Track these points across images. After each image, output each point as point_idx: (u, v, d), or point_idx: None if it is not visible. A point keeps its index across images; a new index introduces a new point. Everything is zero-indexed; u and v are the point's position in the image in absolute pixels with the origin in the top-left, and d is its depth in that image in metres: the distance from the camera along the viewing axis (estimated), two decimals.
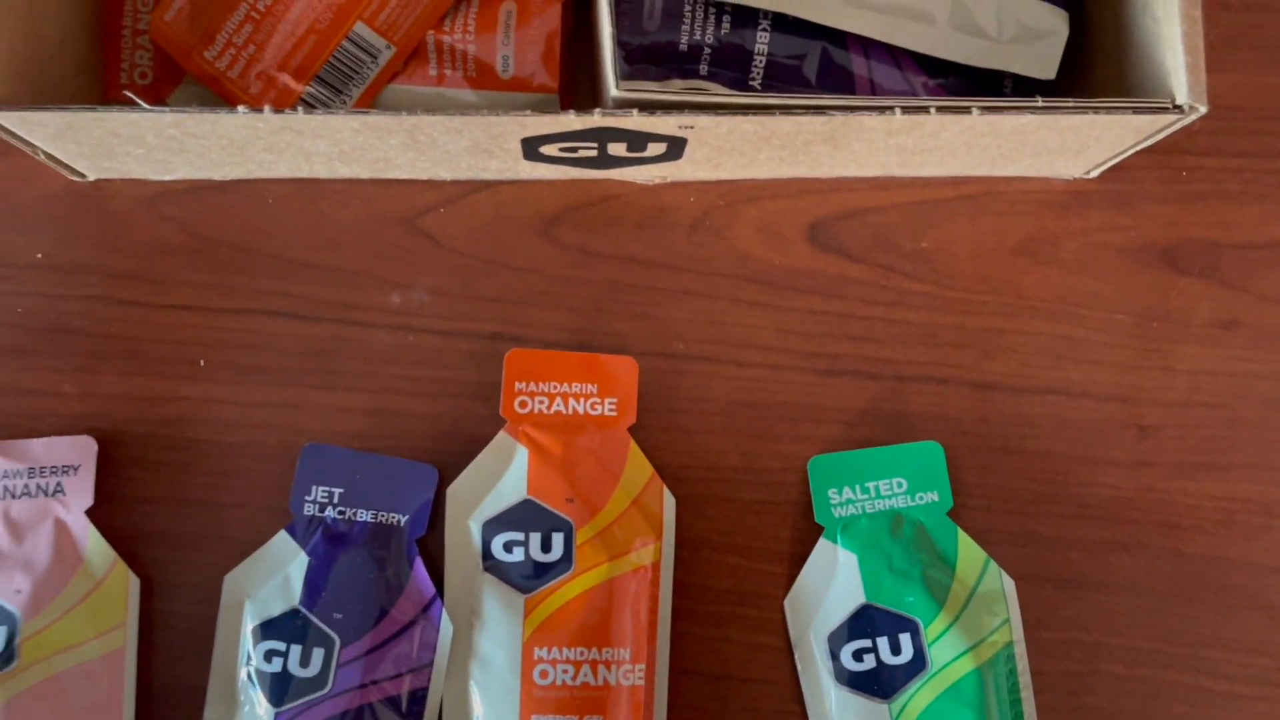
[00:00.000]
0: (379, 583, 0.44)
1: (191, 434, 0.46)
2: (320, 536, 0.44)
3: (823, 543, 0.46)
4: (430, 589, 0.44)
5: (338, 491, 0.45)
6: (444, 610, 0.44)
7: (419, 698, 0.43)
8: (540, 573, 0.44)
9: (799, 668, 0.46)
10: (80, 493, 0.44)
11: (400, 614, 0.44)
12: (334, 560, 0.44)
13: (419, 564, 0.44)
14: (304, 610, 0.43)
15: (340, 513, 0.45)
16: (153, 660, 0.44)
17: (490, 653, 0.44)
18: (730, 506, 0.47)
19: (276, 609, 0.44)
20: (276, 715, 0.42)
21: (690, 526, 0.47)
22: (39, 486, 0.44)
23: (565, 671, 0.43)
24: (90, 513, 0.44)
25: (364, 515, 0.45)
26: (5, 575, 0.43)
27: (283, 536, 0.45)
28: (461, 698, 0.44)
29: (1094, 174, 0.48)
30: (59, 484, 0.44)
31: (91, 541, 0.44)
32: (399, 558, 0.44)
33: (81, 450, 0.45)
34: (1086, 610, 0.46)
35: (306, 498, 0.45)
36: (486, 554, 0.45)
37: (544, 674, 0.43)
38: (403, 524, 0.45)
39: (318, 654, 0.43)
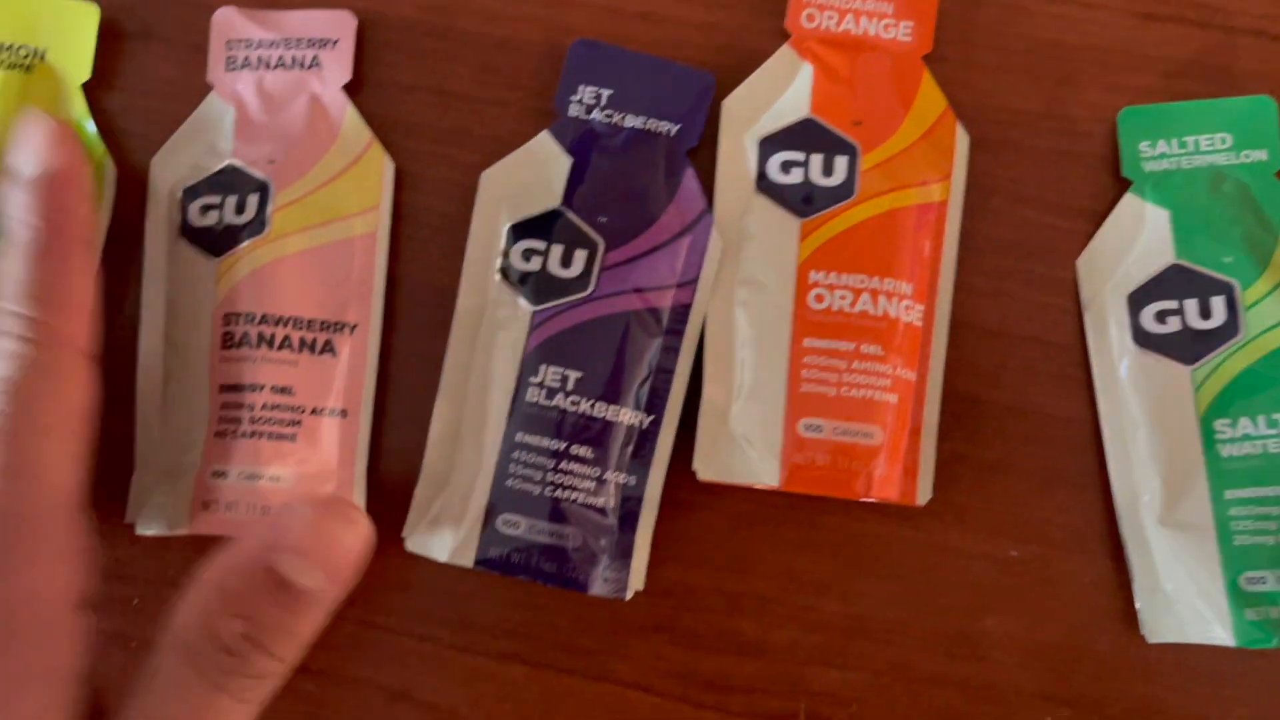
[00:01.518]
0: (646, 190, 0.41)
1: (456, 23, 0.43)
2: (585, 139, 0.41)
3: (1129, 198, 0.42)
4: (701, 202, 0.41)
5: (607, 93, 0.41)
6: (714, 228, 0.41)
7: (681, 313, 0.40)
8: (818, 196, 0.41)
9: (1088, 330, 0.42)
10: (337, 68, 0.42)
11: (668, 224, 0.41)
12: (600, 163, 0.41)
13: (690, 175, 0.41)
14: (566, 211, 0.40)
15: (608, 115, 0.41)
16: (401, 254, 0.42)
17: (761, 274, 0.41)
18: (1027, 154, 0.42)
19: (536, 208, 0.41)
20: (535, 314, 0.40)
21: (982, 171, 0.42)
22: (295, 59, 0.42)
23: (843, 297, 0.40)
24: (347, 90, 0.42)
25: (633, 120, 0.41)
26: (258, 145, 0.41)
27: (544, 137, 0.41)
28: (726, 319, 0.41)
29: None
30: (315, 57, 0.42)
31: (348, 119, 0.42)
32: (668, 167, 0.41)
33: (340, 25, 0.42)
34: None
35: (572, 97, 0.42)
36: (761, 174, 0.41)
37: (819, 298, 0.40)
38: (674, 133, 0.41)
39: (580, 255, 0.40)
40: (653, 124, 0.41)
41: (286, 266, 0.40)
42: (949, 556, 0.42)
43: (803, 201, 0.41)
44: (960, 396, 0.42)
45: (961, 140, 0.42)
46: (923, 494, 0.40)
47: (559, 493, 0.39)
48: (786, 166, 0.41)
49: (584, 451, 0.39)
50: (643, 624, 0.41)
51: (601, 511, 0.39)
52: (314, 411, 0.39)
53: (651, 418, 0.40)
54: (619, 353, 0.40)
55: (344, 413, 0.40)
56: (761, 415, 0.40)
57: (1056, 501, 0.41)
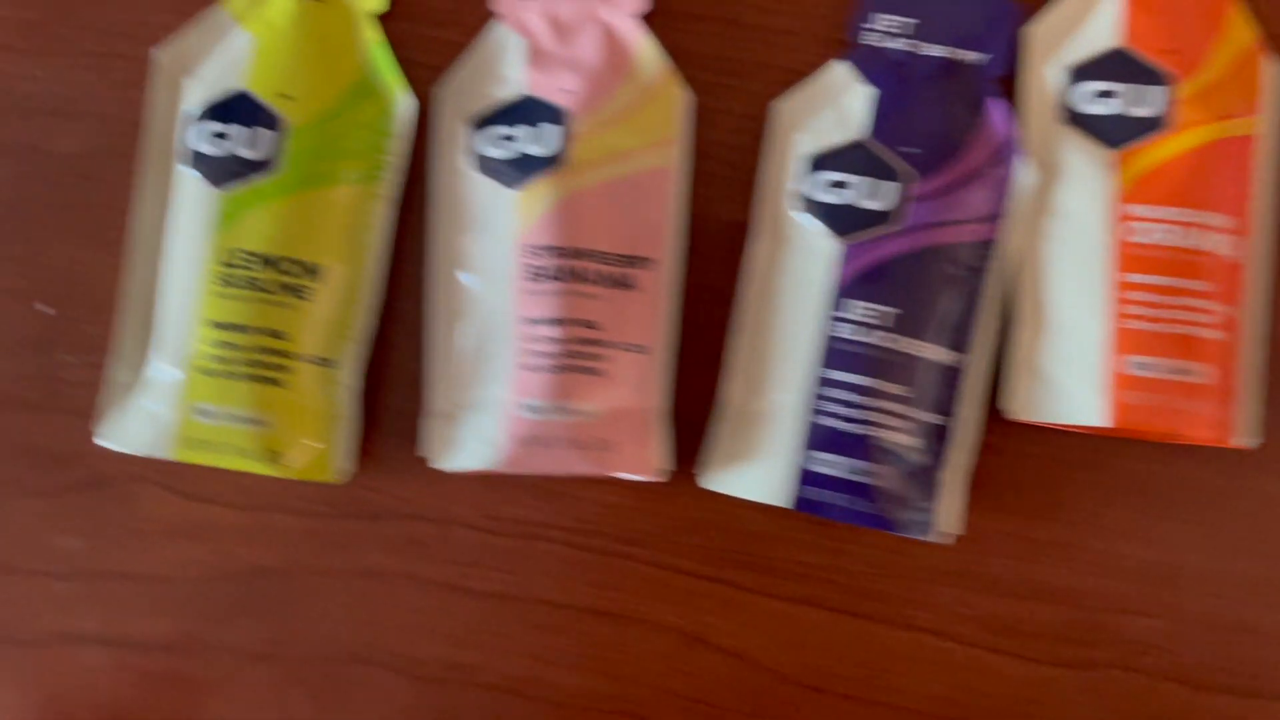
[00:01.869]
0: (954, 121, 0.39)
1: None
2: (884, 68, 0.40)
3: None
4: (1010, 133, 0.40)
5: (909, 22, 0.40)
6: (1019, 156, 0.40)
7: (990, 247, 0.39)
8: (1132, 127, 0.39)
9: None
10: None
11: (976, 156, 0.39)
12: (904, 93, 0.40)
13: (997, 105, 0.40)
14: (872, 142, 0.39)
15: (911, 45, 0.40)
16: (694, 189, 0.41)
17: (1074, 207, 0.39)
18: None
19: (835, 139, 0.40)
20: (845, 248, 0.39)
21: None
22: None
23: (1169, 231, 0.38)
24: (643, 20, 0.41)
25: (935, 50, 0.40)
26: (553, 74, 0.40)
27: (841, 66, 0.40)
28: (1034, 253, 0.40)
29: None
30: None
31: (642, 49, 0.40)
32: (974, 97, 0.40)
33: None
34: None
35: (868, 26, 0.40)
36: (1069, 105, 0.40)
37: (1142, 232, 0.39)
38: (980, 62, 0.40)
39: (889, 188, 0.39)
40: (958, 53, 0.40)
41: (588, 199, 0.39)
42: (1266, 504, 0.40)
43: (1114, 133, 0.39)
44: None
45: (1268, 72, 0.40)
46: (1248, 437, 0.39)
47: (871, 431, 0.38)
48: (1097, 97, 0.40)
49: (896, 389, 0.38)
50: (945, 569, 0.40)
51: (914, 451, 0.38)
52: (618, 346, 0.38)
53: (963, 355, 0.39)
54: (931, 288, 0.38)
55: (644, 348, 0.39)
56: (1079, 352, 0.38)
57: None
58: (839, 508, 0.38)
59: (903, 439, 0.38)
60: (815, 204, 0.39)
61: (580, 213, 0.38)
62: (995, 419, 0.40)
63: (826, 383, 0.38)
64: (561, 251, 0.38)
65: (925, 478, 0.38)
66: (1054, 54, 0.40)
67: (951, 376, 0.39)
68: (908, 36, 0.40)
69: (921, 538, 0.38)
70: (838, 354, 0.38)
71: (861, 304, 0.38)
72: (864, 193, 0.39)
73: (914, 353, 0.38)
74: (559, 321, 0.38)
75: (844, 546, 0.40)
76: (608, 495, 0.40)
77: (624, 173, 0.39)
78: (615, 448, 0.38)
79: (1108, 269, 0.39)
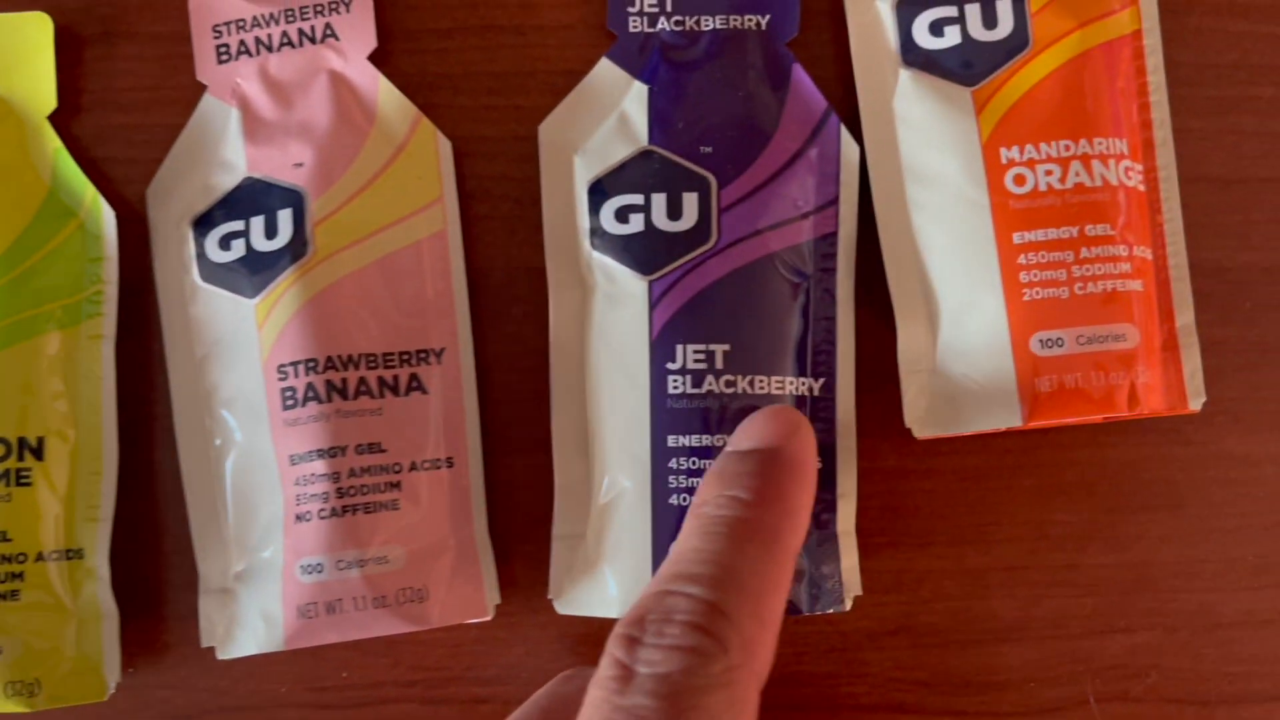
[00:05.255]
0: (750, 103, 0.32)
1: None
2: (658, 57, 0.33)
3: None
4: (819, 102, 0.32)
5: None
6: (842, 127, 0.32)
7: (829, 242, 0.32)
8: (986, 55, 0.32)
9: None
10: (357, 34, 0.33)
11: (786, 139, 0.32)
12: (684, 82, 0.32)
13: (797, 72, 0.33)
14: (658, 150, 0.32)
15: (678, 23, 0.33)
16: (474, 239, 0.34)
17: (937, 165, 0.32)
18: None
19: (618, 155, 0.32)
20: (651, 286, 0.31)
21: None
22: (301, 33, 0.33)
23: (1049, 173, 0.31)
24: (375, 58, 0.33)
25: (710, 21, 0.33)
26: (279, 147, 0.32)
27: (605, 65, 0.33)
28: (903, 232, 0.32)
29: None
30: (328, 26, 0.33)
31: (383, 94, 0.33)
32: (768, 69, 0.33)
33: None
34: None
35: (629, 9, 0.33)
36: (907, 42, 0.32)
37: (1020, 179, 0.31)
38: (764, 25, 0.33)
39: (689, 200, 0.32)
40: (735, 20, 0.33)
41: (344, 292, 0.31)
42: (1232, 468, 0.33)
43: (967, 65, 0.32)
44: (1204, 270, 0.33)
45: None
46: (1194, 397, 0.32)
47: None
48: (938, 27, 0.32)
49: None
50: (872, 631, 0.33)
51: None
52: (413, 467, 0.31)
53: (822, 380, 0.32)
54: (765, 310, 0.31)
55: (444, 462, 0.32)
56: (981, 342, 0.31)
57: None
58: None
59: None
60: (610, 238, 0.32)
61: (335, 313, 0.31)
62: (893, 436, 0.33)
63: (668, 453, 0.31)
64: (316, 365, 0.31)
65: (814, 538, 0.31)
66: None
67: (817, 407, 0.32)
68: (674, 13, 0.33)
69: (838, 609, 0.31)
70: (673, 414, 0.31)
71: (690, 347, 0.31)
72: (661, 213, 0.32)
73: (766, 391, 0.31)
74: (327, 453, 0.30)
75: None
76: (455, 632, 0.33)
77: (385, 252, 0.32)
78: (429, 594, 0.30)
79: (994, 232, 0.31)
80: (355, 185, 0.32)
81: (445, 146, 0.33)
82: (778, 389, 0.31)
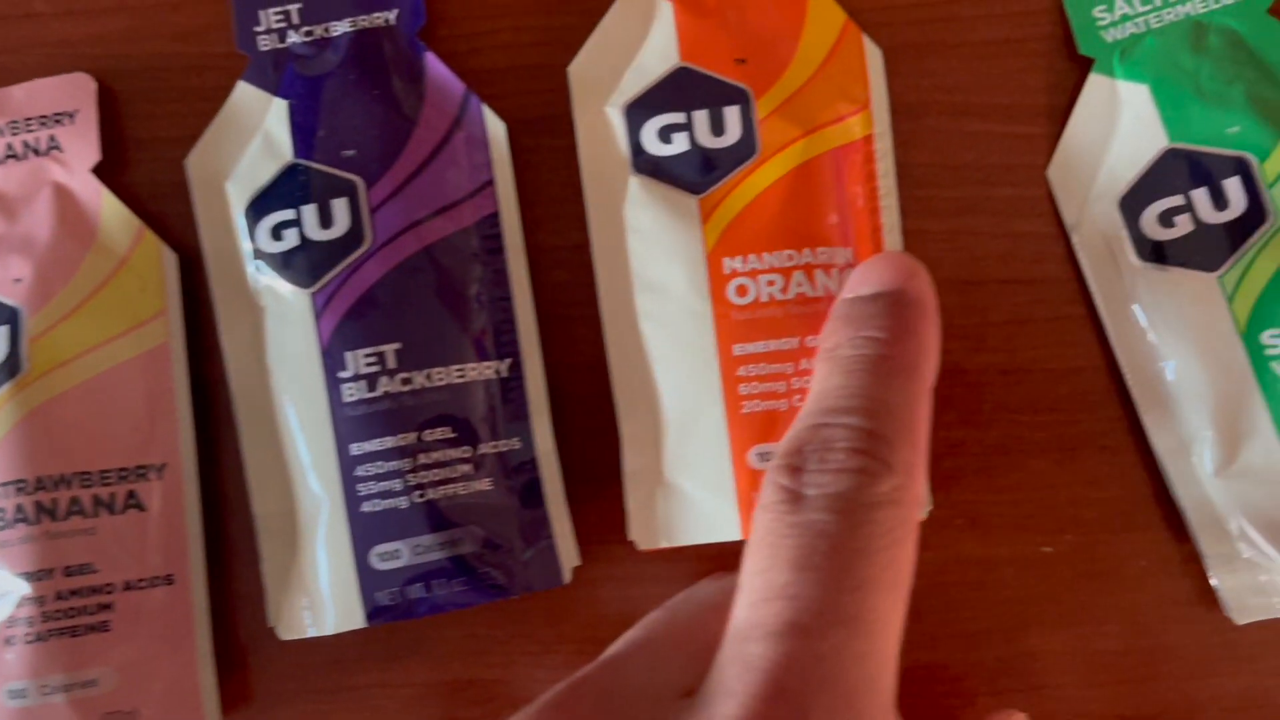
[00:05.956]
0: (388, 99, 0.32)
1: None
2: (292, 71, 0.33)
3: (1094, 79, 0.33)
4: (456, 87, 0.33)
5: (294, 8, 0.33)
6: (485, 107, 0.33)
7: (490, 223, 0.32)
8: (714, 164, 0.32)
9: (1080, 256, 0.33)
10: (81, 146, 0.33)
11: (431, 130, 0.32)
12: (317, 92, 0.32)
13: (431, 61, 0.33)
14: (303, 162, 0.32)
15: (308, 33, 0.33)
16: (210, 349, 0.33)
17: (662, 275, 0.32)
18: (957, 55, 0.34)
19: (266, 174, 0.32)
20: (313, 299, 0.31)
21: (906, 88, 0.34)
22: (25, 145, 0.33)
23: (771, 283, 0.31)
24: (98, 170, 0.33)
25: (339, 26, 0.33)
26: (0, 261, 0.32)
27: (242, 87, 0.33)
28: (630, 340, 0.32)
29: None
30: (52, 138, 0.33)
31: (106, 207, 0.33)
32: (402, 62, 0.33)
33: (76, 91, 0.33)
34: None
35: (256, 29, 0.33)
36: (636, 148, 0.32)
37: (742, 290, 0.31)
38: (393, 20, 0.33)
39: (339, 206, 0.31)
40: (364, 20, 0.33)
41: (59, 410, 0.31)
42: (968, 570, 0.33)
43: (694, 173, 0.32)
44: (942, 371, 0.33)
45: (873, 56, 0.33)
46: (928, 499, 0.32)
47: (431, 494, 0.30)
48: (666, 133, 0.32)
49: (442, 433, 0.31)
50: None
51: (494, 493, 0.31)
52: (127, 586, 0.31)
53: (509, 360, 0.32)
54: (431, 301, 0.31)
55: (168, 578, 0.31)
56: (702, 452, 0.31)
57: (1084, 474, 0.33)
58: (435, 600, 0.30)
59: (477, 484, 0.31)
60: (270, 257, 0.32)
61: (48, 431, 0.31)
62: (627, 548, 0.32)
63: (353, 461, 0.31)
64: (26, 486, 0.30)
65: (525, 516, 0.31)
66: (609, 91, 0.33)
67: (507, 389, 0.32)
68: (302, 25, 0.33)
69: (558, 584, 0.31)
70: (352, 422, 0.31)
71: (360, 352, 0.31)
72: (315, 223, 0.32)
73: (446, 381, 0.31)
74: (34, 576, 0.30)
75: (487, 630, 0.33)
76: None
77: (103, 368, 0.31)
78: (140, 715, 0.30)
79: (715, 344, 0.31)
80: (74, 301, 0.32)
81: (170, 258, 0.33)
82: (459, 377, 0.31)
